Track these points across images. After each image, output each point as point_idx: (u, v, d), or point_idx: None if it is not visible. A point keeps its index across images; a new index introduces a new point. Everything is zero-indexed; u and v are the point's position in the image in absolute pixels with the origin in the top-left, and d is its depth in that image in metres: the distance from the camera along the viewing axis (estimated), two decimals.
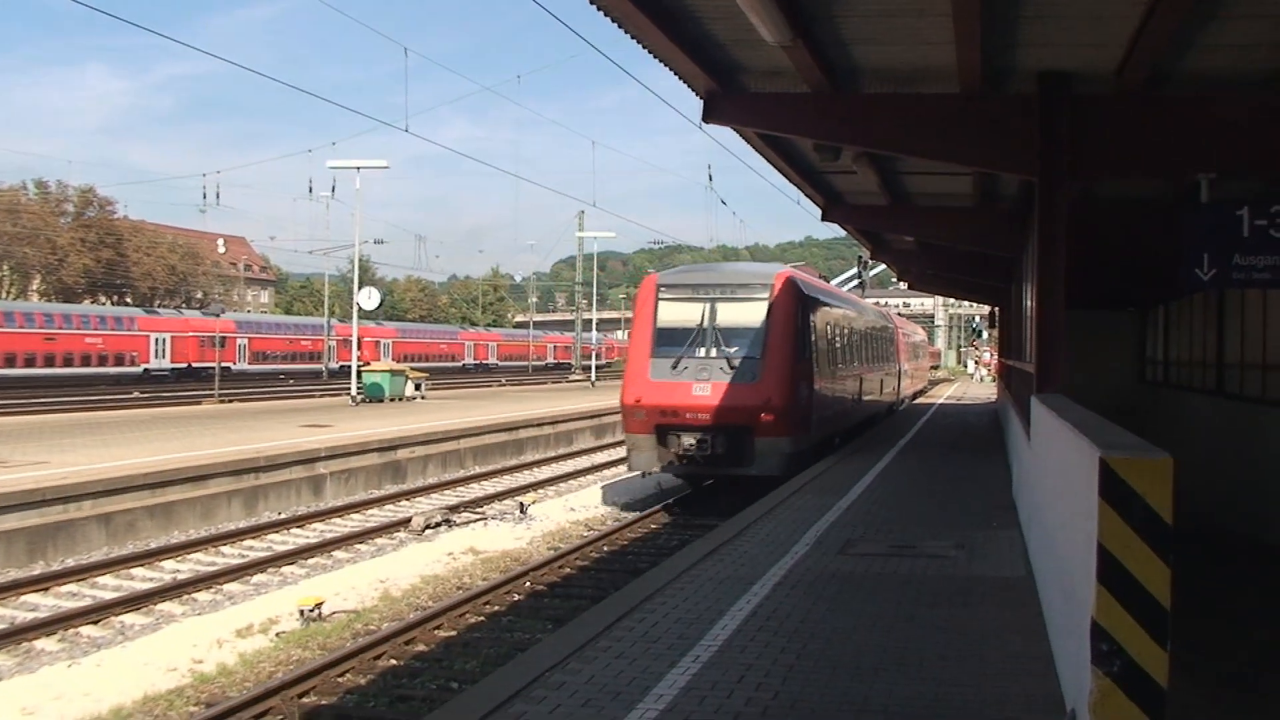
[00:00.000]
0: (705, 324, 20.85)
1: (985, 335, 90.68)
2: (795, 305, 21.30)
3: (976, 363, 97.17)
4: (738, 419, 20.03)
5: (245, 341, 73.88)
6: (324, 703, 9.84)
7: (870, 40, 11.34)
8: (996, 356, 56.15)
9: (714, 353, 20.69)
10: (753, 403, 20.08)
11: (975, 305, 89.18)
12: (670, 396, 20.45)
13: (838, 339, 25.79)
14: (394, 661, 11.07)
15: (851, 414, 27.83)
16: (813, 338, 22.18)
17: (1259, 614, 12.11)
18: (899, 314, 60.42)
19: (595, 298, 79.12)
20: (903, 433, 28.97)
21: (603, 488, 23.69)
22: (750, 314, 20.98)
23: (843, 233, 30.84)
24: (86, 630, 12.28)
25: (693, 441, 20.14)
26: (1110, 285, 22.43)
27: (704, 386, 20.43)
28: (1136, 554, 4.70)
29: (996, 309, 44.67)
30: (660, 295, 21.51)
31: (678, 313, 21.17)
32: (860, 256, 66.66)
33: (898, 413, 39.60)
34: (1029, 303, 15.70)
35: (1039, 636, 8.10)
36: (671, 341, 20.91)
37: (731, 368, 20.45)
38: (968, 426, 32.48)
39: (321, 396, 47.08)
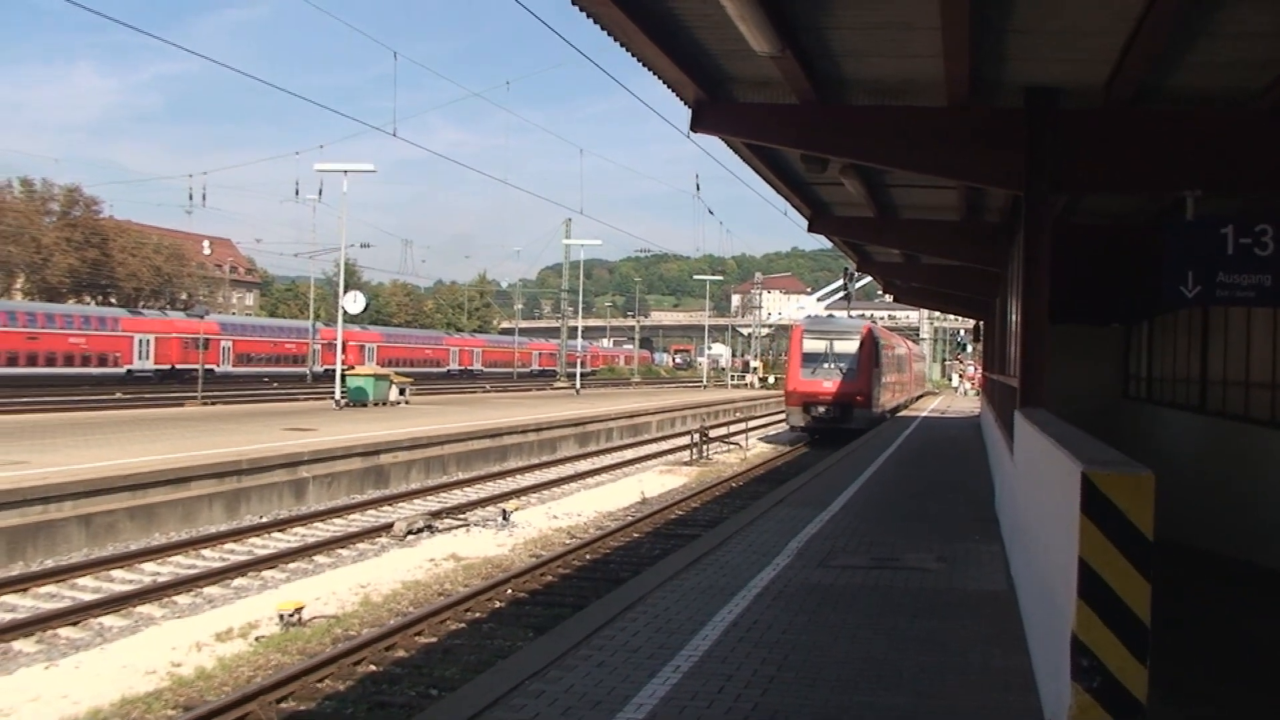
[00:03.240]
0: (827, 351, 39.72)
1: (969, 349, 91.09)
2: (871, 342, 40.53)
3: (961, 376, 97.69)
4: (845, 399, 38.79)
5: (229, 344, 73.49)
6: (302, 708, 9.79)
7: (858, 52, 11.37)
8: (980, 370, 56.39)
9: (832, 366, 39.43)
10: (853, 390, 38.84)
11: (960, 319, 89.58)
12: (811, 387, 39.40)
13: (886, 360, 44.38)
14: (374, 667, 11.02)
15: (892, 402, 47.85)
16: (878, 359, 41.11)
17: (1238, 631, 12.15)
18: (885, 326, 62.54)
19: (581, 305, 79.11)
20: (886, 446, 29.05)
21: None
22: (850, 346, 39.83)
23: (829, 244, 32.46)
24: (65, 632, 12.18)
25: (822, 410, 39.06)
26: (1095, 300, 22.53)
27: (829, 383, 39.13)
28: (1117, 569, 4.71)
29: (981, 323, 44.84)
30: (804, 335, 40.79)
31: (813, 345, 40.17)
32: (846, 269, 67.33)
33: (897, 415, 51.27)
34: (1014, 317, 15.74)
35: (1019, 650, 8.11)
36: (811, 360, 39.84)
37: (841, 373, 39.13)
38: (951, 443, 32.61)
39: (305, 400, 46.87)
